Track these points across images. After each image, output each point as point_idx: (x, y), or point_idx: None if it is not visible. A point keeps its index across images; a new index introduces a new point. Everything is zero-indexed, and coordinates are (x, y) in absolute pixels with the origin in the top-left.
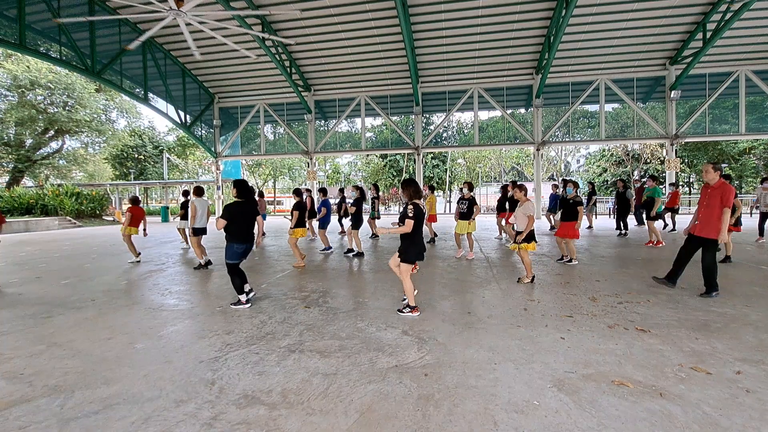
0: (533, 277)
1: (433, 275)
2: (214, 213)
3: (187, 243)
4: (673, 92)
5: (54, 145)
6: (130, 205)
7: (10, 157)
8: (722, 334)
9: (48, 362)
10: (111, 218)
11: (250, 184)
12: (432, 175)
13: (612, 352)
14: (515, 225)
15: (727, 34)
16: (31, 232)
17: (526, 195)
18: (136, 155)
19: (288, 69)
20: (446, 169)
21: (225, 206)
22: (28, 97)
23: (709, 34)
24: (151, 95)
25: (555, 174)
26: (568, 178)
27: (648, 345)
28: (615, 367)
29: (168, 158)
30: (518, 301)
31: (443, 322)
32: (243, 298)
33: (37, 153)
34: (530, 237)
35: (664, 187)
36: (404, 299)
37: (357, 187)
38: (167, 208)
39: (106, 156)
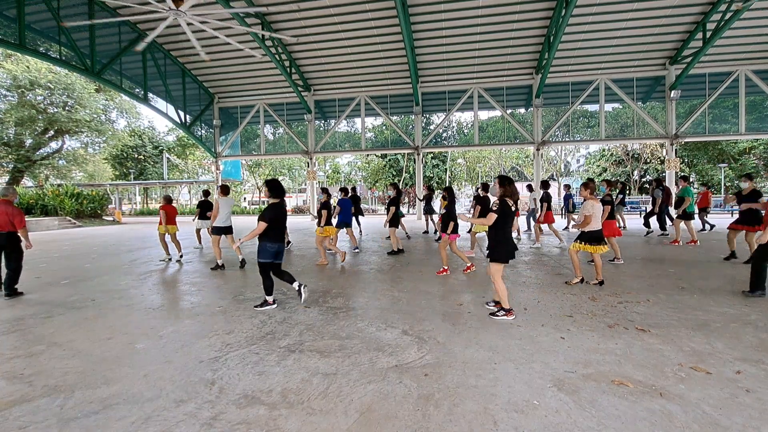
0: (602, 281)
1: (433, 275)
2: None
3: (200, 243)
4: (673, 92)
5: (54, 145)
6: (164, 204)
7: (9, 157)
8: (722, 333)
9: (48, 362)
10: (111, 218)
11: (282, 184)
12: (432, 175)
13: (612, 352)
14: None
15: (727, 34)
16: (31, 233)
17: (592, 193)
18: (136, 155)
19: (288, 69)
20: (446, 169)
21: (267, 209)
22: (28, 97)
23: (708, 34)
24: (150, 95)
25: (555, 174)
26: (607, 178)
27: (648, 345)
28: (615, 367)
29: (168, 158)
30: (519, 300)
31: (443, 322)
32: (270, 299)
33: (37, 153)
34: (598, 238)
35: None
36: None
37: (393, 185)
38: None
39: (106, 156)
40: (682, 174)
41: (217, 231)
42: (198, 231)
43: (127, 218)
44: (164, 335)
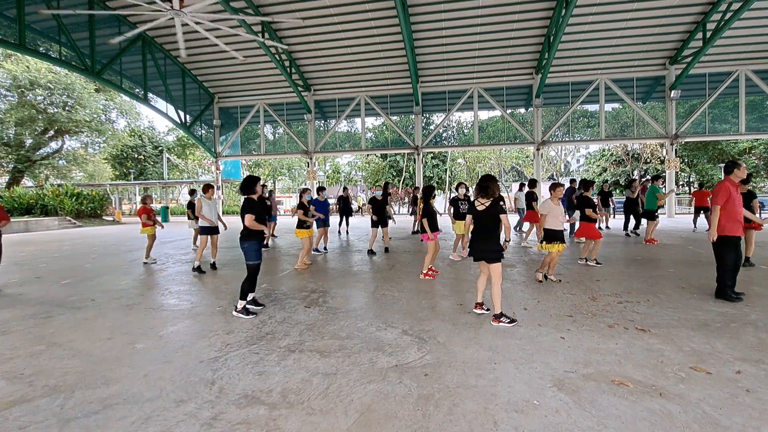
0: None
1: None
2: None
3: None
4: (673, 92)
5: (54, 145)
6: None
7: (10, 157)
8: (722, 333)
9: (48, 362)
10: (111, 218)
11: (248, 180)
12: (432, 174)
13: (612, 352)
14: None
15: (727, 34)
16: (31, 232)
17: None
18: (136, 155)
19: (288, 69)
20: (446, 169)
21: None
22: (28, 98)
23: (709, 34)
24: (150, 95)
25: (555, 174)
26: (588, 179)
27: (648, 344)
28: (615, 367)
29: (168, 158)
30: (518, 301)
31: (443, 322)
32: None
33: (37, 153)
34: (558, 237)
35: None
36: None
37: (384, 186)
38: (167, 208)
39: (106, 156)
40: (655, 174)
41: (203, 231)
42: (196, 231)
43: (127, 218)
44: (164, 335)
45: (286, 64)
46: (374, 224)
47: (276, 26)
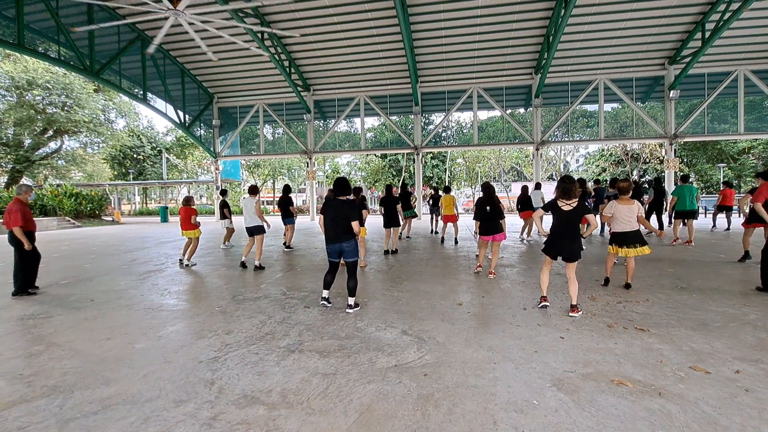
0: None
1: (434, 275)
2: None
3: (227, 243)
4: (672, 92)
5: (53, 145)
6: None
7: (8, 157)
8: (721, 333)
9: (47, 362)
10: (110, 218)
11: (345, 182)
12: (432, 174)
13: (611, 352)
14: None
15: (726, 34)
16: None
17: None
18: (135, 155)
19: (287, 69)
20: (446, 168)
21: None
22: (27, 98)
23: (708, 34)
24: (150, 95)
25: (555, 174)
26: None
27: (647, 344)
28: (614, 367)
29: (167, 158)
30: (518, 300)
31: (443, 322)
32: (325, 293)
33: (36, 153)
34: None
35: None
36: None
37: (404, 186)
38: (166, 208)
39: (105, 156)
40: (683, 174)
41: (248, 232)
42: (228, 230)
43: (126, 218)
44: (163, 335)
45: (286, 64)
46: (387, 224)
47: (275, 26)
